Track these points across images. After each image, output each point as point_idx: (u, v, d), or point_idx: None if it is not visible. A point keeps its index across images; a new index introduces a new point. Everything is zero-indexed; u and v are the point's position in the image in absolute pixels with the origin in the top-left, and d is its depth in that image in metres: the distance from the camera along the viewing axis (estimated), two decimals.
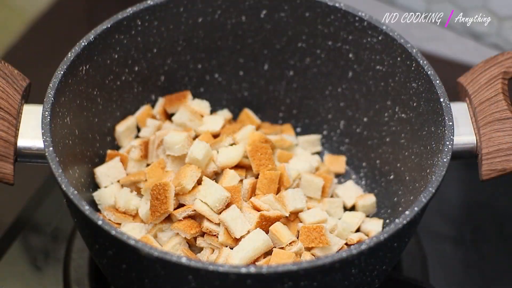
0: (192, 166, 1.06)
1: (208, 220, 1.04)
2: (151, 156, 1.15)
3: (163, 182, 1.04)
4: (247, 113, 1.23)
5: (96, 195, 1.12)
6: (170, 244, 1.04)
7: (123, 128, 1.17)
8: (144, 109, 1.20)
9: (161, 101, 1.20)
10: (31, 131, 1.01)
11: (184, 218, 1.04)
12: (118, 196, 1.10)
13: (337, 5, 1.14)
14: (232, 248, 1.03)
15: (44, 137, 0.97)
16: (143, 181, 1.11)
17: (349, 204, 1.17)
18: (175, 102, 1.19)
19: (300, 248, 1.03)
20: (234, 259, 1.00)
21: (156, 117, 1.19)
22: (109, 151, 1.16)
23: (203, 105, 1.19)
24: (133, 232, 1.06)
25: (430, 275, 1.22)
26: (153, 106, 1.21)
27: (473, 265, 1.27)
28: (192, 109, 1.16)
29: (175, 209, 1.05)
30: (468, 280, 1.25)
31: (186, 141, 1.09)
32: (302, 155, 1.19)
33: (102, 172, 1.13)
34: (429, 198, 0.95)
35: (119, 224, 1.09)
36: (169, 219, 1.06)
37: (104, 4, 1.66)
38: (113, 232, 0.89)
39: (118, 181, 1.13)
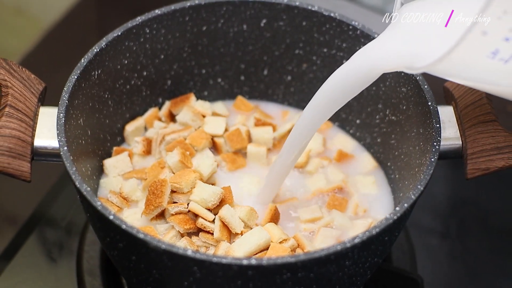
0: (196, 174, 1.06)
1: (203, 218, 1.03)
2: (155, 152, 1.15)
3: (161, 179, 1.04)
4: (242, 99, 1.23)
5: (103, 181, 1.11)
6: (168, 236, 1.03)
7: (132, 128, 1.17)
8: (152, 111, 1.19)
9: (167, 104, 1.20)
10: (47, 131, 1.01)
11: (177, 213, 1.04)
12: (124, 183, 1.09)
13: (332, 14, 1.14)
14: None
15: (59, 137, 0.97)
16: (144, 179, 1.11)
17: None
18: (179, 104, 1.19)
19: (293, 244, 1.02)
20: (237, 251, 0.99)
21: (161, 119, 1.19)
22: (115, 148, 1.15)
23: (205, 106, 1.18)
24: (134, 217, 1.06)
25: (418, 266, 1.22)
26: (160, 108, 1.21)
27: (458, 257, 1.27)
28: (195, 109, 1.16)
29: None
30: (453, 271, 1.26)
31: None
32: None
33: (110, 164, 1.12)
34: (417, 195, 0.94)
35: (121, 208, 1.08)
36: (163, 216, 1.05)
37: (115, 13, 1.66)
38: (124, 226, 0.89)
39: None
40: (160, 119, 1.19)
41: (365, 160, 1.18)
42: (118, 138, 1.18)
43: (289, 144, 1.03)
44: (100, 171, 1.13)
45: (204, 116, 1.17)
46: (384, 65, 0.91)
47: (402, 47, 0.88)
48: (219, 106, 1.22)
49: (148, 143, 1.15)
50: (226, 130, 1.17)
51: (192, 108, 1.16)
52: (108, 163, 1.13)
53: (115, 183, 1.11)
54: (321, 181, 1.14)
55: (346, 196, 1.12)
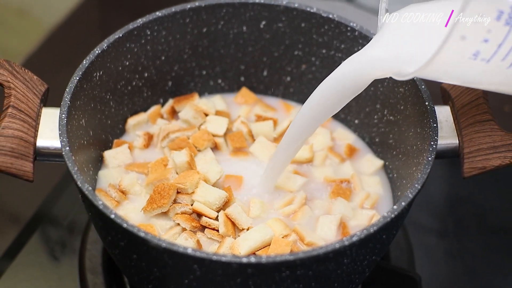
0: (200, 175, 1.06)
1: (207, 216, 1.04)
2: (156, 147, 1.15)
3: (170, 183, 1.04)
4: (247, 90, 1.23)
5: (103, 173, 1.11)
6: (171, 232, 1.03)
7: (134, 121, 1.18)
8: (155, 108, 1.20)
9: (170, 102, 1.20)
10: (49, 132, 1.01)
11: (182, 213, 1.04)
12: (124, 176, 1.09)
13: (330, 16, 1.14)
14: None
15: (61, 137, 0.97)
16: (145, 173, 1.11)
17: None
18: (183, 101, 1.19)
19: (295, 239, 1.03)
20: (242, 247, 1.00)
21: (163, 116, 1.19)
22: (116, 140, 1.16)
23: (209, 105, 1.19)
24: (134, 212, 1.06)
25: (416, 264, 1.22)
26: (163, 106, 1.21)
27: (456, 255, 1.27)
28: (197, 107, 1.16)
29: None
30: (451, 269, 1.26)
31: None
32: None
33: (110, 155, 1.13)
34: (415, 194, 0.95)
35: (119, 202, 1.08)
36: (164, 213, 1.05)
37: (116, 15, 1.66)
38: (125, 225, 0.89)
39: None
40: (162, 116, 1.19)
41: (370, 155, 1.19)
42: (119, 139, 1.18)
43: (286, 143, 1.04)
44: (100, 166, 1.13)
45: (206, 115, 1.17)
46: (373, 73, 0.93)
47: (389, 55, 0.90)
48: (218, 100, 1.21)
49: (149, 137, 1.16)
50: (228, 129, 1.17)
51: (195, 106, 1.17)
52: (108, 154, 1.13)
53: (115, 175, 1.11)
54: (329, 173, 1.14)
55: (351, 188, 1.13)
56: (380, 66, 0.91)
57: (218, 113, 1.19)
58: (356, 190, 1.12)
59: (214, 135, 1.15)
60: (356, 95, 0.97)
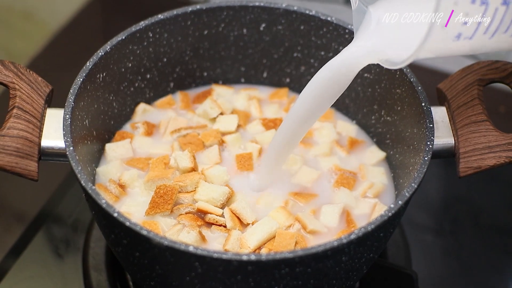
0: (200, 174, 1.06)
1: (212, 214, 1.04)
2: (162, 137, 1.15)
3: (172, 186, 1.04)
4: (286, 91, 1.24)
5: (103, 169, 1.10)
6: (174, 229, 1.03)
7: (144, 106, 1.18)
8: (166, 98, 1.20)
9: (178, 93, 1.21)
10: (54, 132, 1.01)
11: (186, 213, 1.04)
12: (124, 172, 1.09)
13: (329, 19, 1.14)
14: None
15: (65, 138, 0.97)
16: (145, 169, 1.10)
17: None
18: (202, 99, 1.19)
19: (298, 229, 1.03)
20: (250, 241, 1.00)
21: (176, 104, 1.19)
22: (118, 131, 1.16)
23: (227, 106, 1.17)
24: (136, 208, 1.06)
25: (412, 262, 1.22)
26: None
27: (451, 253, 1.28)
28: (215, 100, 1.17)
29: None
30: (447, 266, 1.26)
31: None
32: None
33: (110, 148, 1.12)
34: (411, 193, 0.95)
35: (118, 197, 1.07)
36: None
37: (119, 18, 1.66)
38: (127, 223, 0.89)
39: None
40: (173, 104, 1.19)
41: (373, 147, 1.18)
42: (122, 127, 1.18)
43: (281, 133, 1.05)
44: (101, 158, 1.13)
45: (222, 114, 1.17)
46: (361, 60, 0.95)
47: (377, 45, 0.93)
48: (241, 99, 1.21)
49: (149, 126, 1.16)
50: (239, 125, 1.16)
51: (212, 98, 1.17)
52: (109, 147, 1.12)
53: (115, 170, 1.10)
54: (336, 162, 1.14)
55: (355, 178, 1.12)
56: (368, 54, 0.93)
57: (235, 111, 1.18)
58: (363, 180, 1.12)
59: (226, 133, 1.14)
60: (347, 85, 0.98)
